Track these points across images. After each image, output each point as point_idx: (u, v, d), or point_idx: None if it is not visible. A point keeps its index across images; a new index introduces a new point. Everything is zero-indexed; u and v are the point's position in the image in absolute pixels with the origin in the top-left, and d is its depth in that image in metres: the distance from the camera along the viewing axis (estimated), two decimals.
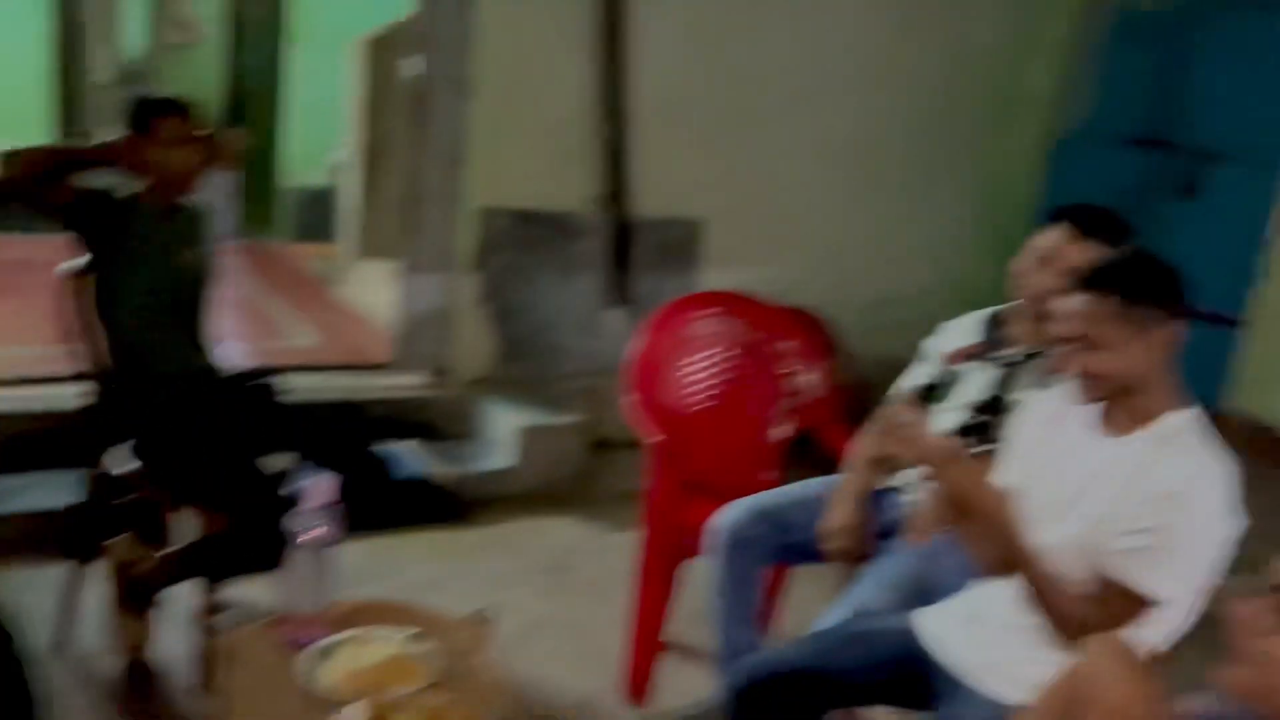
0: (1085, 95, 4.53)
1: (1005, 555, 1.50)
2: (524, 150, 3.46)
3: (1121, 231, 1.88)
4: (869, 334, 4.41)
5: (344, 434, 2.52)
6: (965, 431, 1.97)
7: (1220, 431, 1.52)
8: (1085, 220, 1.89)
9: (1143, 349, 1.48)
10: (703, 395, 2.66)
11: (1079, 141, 4.56)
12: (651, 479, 2.41)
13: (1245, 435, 3.70)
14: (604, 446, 3.70)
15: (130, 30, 6.21)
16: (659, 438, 2.42)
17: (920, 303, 4.47)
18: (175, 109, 2.22)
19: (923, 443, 1.52)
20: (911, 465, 1.50)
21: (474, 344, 3.56)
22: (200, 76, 5.84)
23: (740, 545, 2.07)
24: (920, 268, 4.47)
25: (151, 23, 6.23)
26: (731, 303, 2.77)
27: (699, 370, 2.69)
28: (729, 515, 2.10)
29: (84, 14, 5.87)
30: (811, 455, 2.49)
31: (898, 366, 3.29)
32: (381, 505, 2.88)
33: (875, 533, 2.02)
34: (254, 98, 5.83)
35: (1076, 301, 1.49)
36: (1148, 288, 1.49)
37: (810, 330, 3.92)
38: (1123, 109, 4.42)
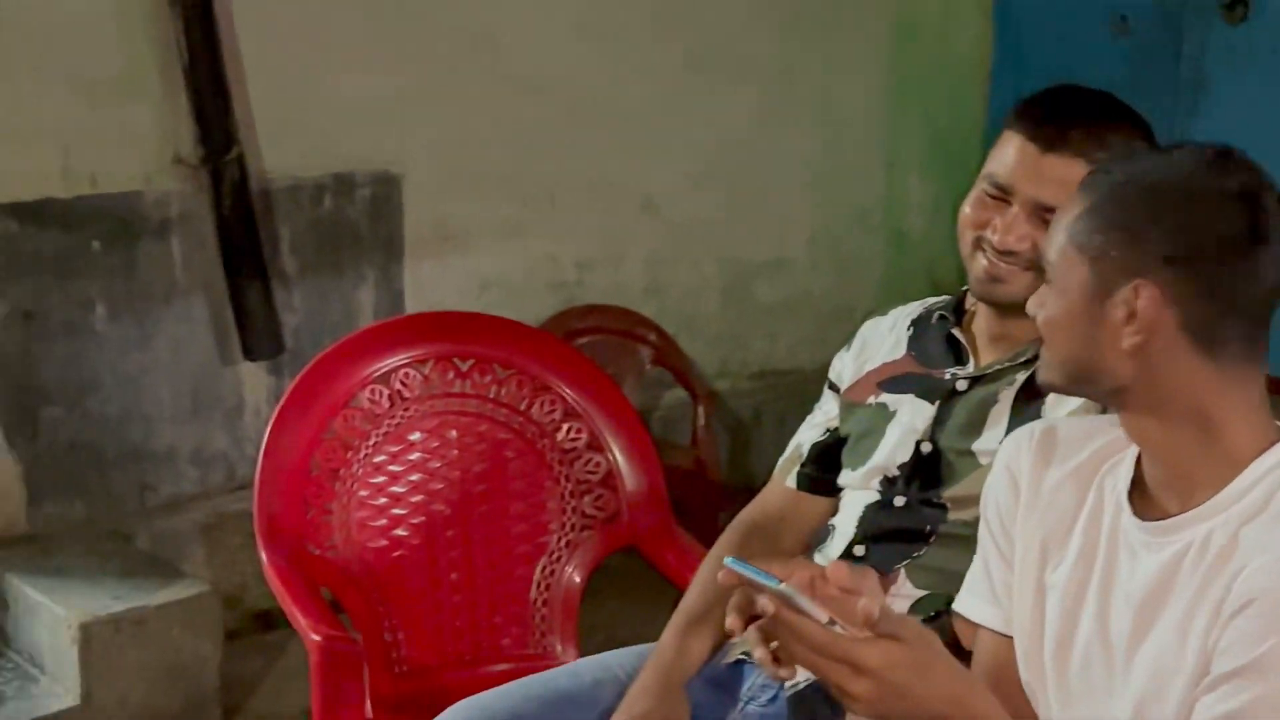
0: None
1: None
2: (16, 96, 3.26)
3: (1126, 129, 1.94)
4: (741, 339, 4.31)
5: None
6: (870, 526, 2.03)
7: None
8: (1054, 118, 1.92)
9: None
10: (410, 527, 2.62)
11: None
12: (320, 704, 2.32)
13: None
14: (265, 626, 3.55)
15: None
16: (320, 635, 2.31)
17: (826, 270, 4.43)
18: None
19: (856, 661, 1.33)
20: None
21: None
22: None
23: None
24: (816, 206, 4.48)
25: None
26: (456, 333, 2.73)
27: (400, 479, 2.64)
28: None
29: None
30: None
31: (798, 394, 3.16)
32: None
33: None
34: None
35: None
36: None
37: (621, 360, 3.83)
38: None
